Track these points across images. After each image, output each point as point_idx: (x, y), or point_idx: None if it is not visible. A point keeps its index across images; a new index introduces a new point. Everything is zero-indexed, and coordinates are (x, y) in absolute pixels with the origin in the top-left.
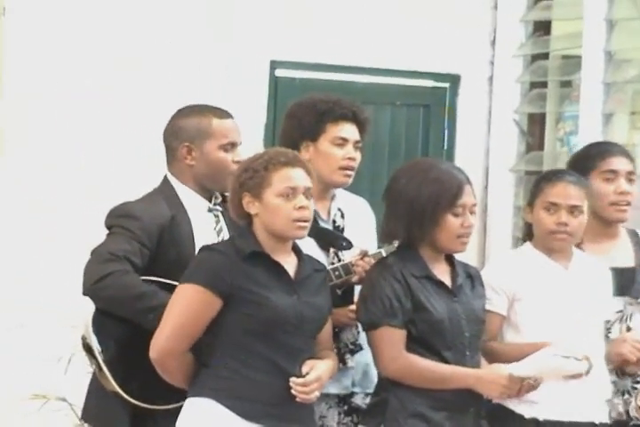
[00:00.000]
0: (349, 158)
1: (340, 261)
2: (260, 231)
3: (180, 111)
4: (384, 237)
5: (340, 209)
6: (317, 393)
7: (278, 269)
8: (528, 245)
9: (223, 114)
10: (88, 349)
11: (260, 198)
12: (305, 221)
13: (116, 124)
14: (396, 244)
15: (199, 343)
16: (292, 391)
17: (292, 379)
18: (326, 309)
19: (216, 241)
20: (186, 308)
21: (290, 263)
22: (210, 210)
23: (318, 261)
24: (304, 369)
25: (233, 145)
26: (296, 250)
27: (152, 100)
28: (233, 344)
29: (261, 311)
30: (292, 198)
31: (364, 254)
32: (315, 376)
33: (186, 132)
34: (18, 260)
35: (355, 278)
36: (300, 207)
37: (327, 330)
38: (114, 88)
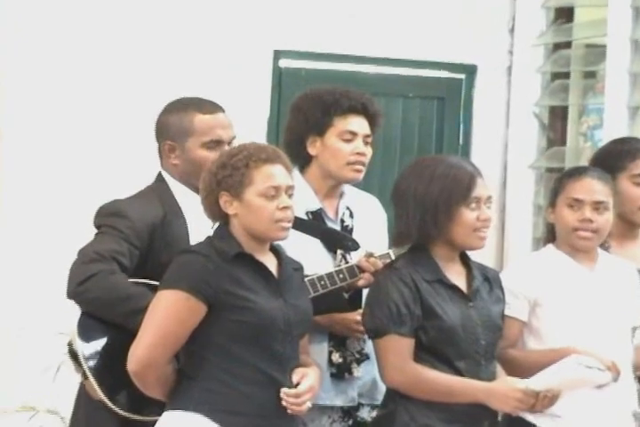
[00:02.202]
0: (359, 153)
1: (347, 264)
2: (238, 232)
3: (165, 106)
4: (397, 239)
5: (348, 208)
6: (309, 404)
7: (263, 270)
8: (550, 246)
9: (209, 108)
10: (74, 355)
11: (240, 198)
12: (288, 221)
13: (114, 118)
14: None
15: (182, 353)
16: (283, 403)
17: (284, 390)
18: (310, 311)
19: None
20: (167, 315)
21: (270, 264)
22: None
23: (294, 260)
24: (295, 378)
25: (218, 143)
26: (274, 249)
27: (149, 92)
28: (219, 353)
29: (249, 316)
30: (275, 198)
31: (369, 255)
32: (307, 386)
33: (168, 129)
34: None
35: (361, 282)
36: (284, 208)
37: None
38: (112, 80)
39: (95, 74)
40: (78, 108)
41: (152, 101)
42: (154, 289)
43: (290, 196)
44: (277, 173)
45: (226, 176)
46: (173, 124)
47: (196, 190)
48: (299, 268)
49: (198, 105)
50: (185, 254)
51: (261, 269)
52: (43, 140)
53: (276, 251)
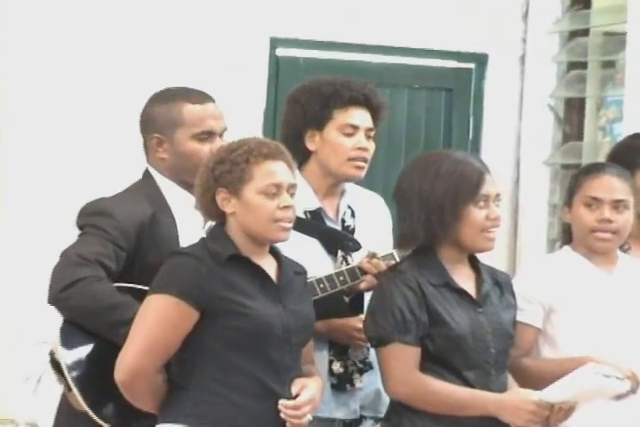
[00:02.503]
0: (360, 148)
1: (348, 265)
2: (235, 232)
3: (151, 97)
4: (401, 241)
5: (350, 207)
6: (310, 417)
7: (260, 274)
8: (566, 248)
9: (199, 98)
10: (56, 365)
11: (239, 195)
12: (289, 222)
13: (115, 117)
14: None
15: (173, 362)
16: (282, 415)
17: (282, 401)
18: (312, 318)
19: None
20: (157, 321)
21: (269, 267)
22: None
23: (297, 263)
24: (294, 389)
25: (210, 134)
26: (274, 252)
27: (148, 89)
28: (213, 362)
29: (245, 323)
30: (276, 196)
31: (372, 256)
32: (307, 398)
33: (155, 121)
34: None
35: (363, 285)
36: (285, 207)
37: (309, 342)
38: (112, 80)
39: (95, 73)
40: (78, 108)
41: (144, 94)
42: (140, 295)
43: (292, 195)
44: (279, 169)
45: (224, 172)
46: (160, 115)
47: (186, 186)
48: (301, 272)
49: (186, 95)
50: (176, 257)
51: (258, 272)
52: (43, 140)
53: (277, 253)
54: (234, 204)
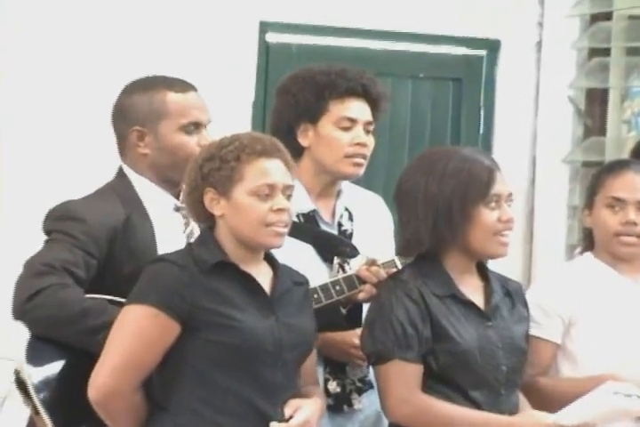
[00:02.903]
0: (359, 144)
1: (345, 273)
2: (224, 237)
3: (127, 87)
4: (404, 248)
5: (347, 209)
6: None
7: (250, 283)
8: (587, 255)
9: (182, 86)
10: (22, 386)
11: (228, 196)
12: (283, 226)
13: (110, 107)
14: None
15: (152, 380)
16: None
17: (273, 424)
18: (310, 332)
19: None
20: (134, 335)
21: (263, 276)
22: (177, 209)
23: (298, 273)
24: (287, 411)
25: (197, 125)
26: (269, 259)
27: (121, 72)
28: (196, 380)
29: (231, 337)
30: (269, 198)
31: (371, 264)
32: (301, 420)
33: (135, 112)
34: None
35: (361, 295)
36: (278, 210)
37: (311, 360)
38: (112, 79)
39: (95, 73)
40: (79, 108)
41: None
42: (116, 306)
43: (288, 197)
44: (274, 168)
45: (213, 170)
46: (141, 105)
47: (171, 185)
48: (302, 282)
49: (167, 83)
50: (156, 264)
51: (248, 281)
52: (43, 140)
53: (273, 261)
54: (223, 205)
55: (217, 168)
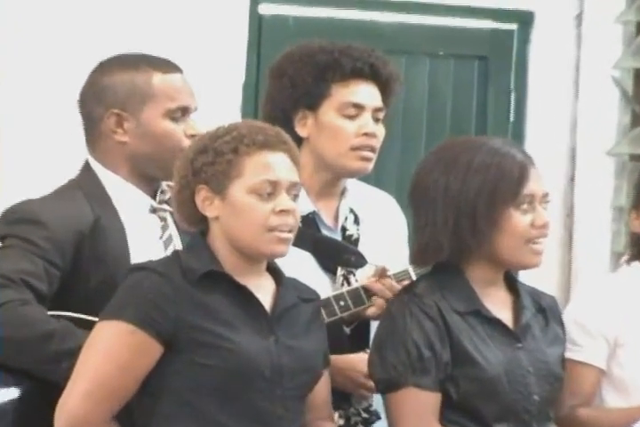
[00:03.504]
0: (366, 134)
1: (350, 286)
2: (218, 243)
3: (102, 64)
4: (419, 255)
5: (352, 210)
6: None
7: (246, 297)
8: (636, 264)
9: (168, 67)
10: None
11: (224, 195)
12: (288, 231)
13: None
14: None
15: (130, 408)
16: None
17: None
18: (319, 357)
19: (161, 256)
20: (108, 356)
21: (264, 290)
22: (154, 210)
23: (307, 287)
24: None
25: (185, 111)
26: (273, 270)
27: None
28: (180, 410)
29: (222, 360)
30: (271, 197)
31: (381, 274)
32: None
33: (114, 93)
34: None
35: (370, 311)
36: (282, 211)
37: (323, 389)
38: (92, 56)
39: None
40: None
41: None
42: (82, 326)
43: (294, 197)
44: (278, 163)
45: (206, 164)
46: (122, 86)
47: (146, 182)
48: (311, 298)
49: (152, 62)
50: (134, 273)
51: (244, 295)
52: (43, 140)
53: (277, 272)
54: (217, 205)
55: (211, 162)
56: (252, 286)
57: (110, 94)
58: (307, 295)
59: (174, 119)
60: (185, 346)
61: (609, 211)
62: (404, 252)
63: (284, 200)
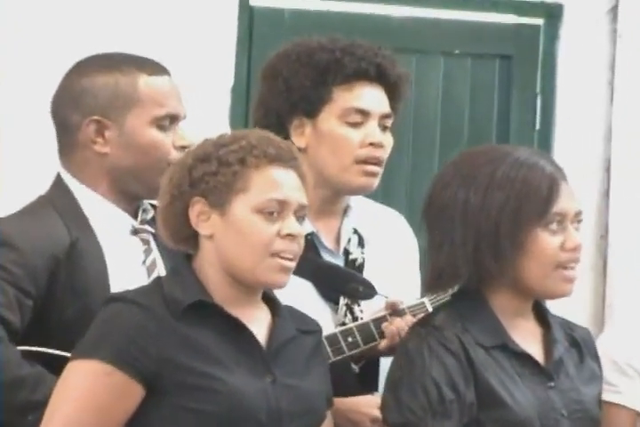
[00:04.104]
0: (373, 144)
1: (354, 319)
2: (209, 267)
3: (80, 65)
4: (434, 281)
5: (357, 231)
6: None
7: (239, 331)
8: None
9: (155, 68)
10: None
11: (224, 210)
12: (290, 259)
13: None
14: (450, 292)
15: None
16: None
17: None
18: (321, 397)
19: (144, 284)
20: (82, 400)
21: (258, 322)
22: (135, 231)
23: (307, 317)
24: None
25: (173, 119)
26: (268, 299)
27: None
28: None
29: (212, 404)
30: (278, 219)
31: (394, 308)
32: None
33: (93, 97)
34: None
35: (382, 345)
36: (288, 235)
37: None
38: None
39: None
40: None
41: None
42: (55, 364)
43: (300, 220)
44: (288, 181)
45: (208, 173)
46: (104, 89)
47: (127, 200)
48: (312, 330)
49: (137, 63)
50: (111, 305)
51: (237, 328)
52: (43, 140)
53: (273, 302)
54: (214, 222)
55: (213, 172)
56: (246, 317)
57: (89, 99)
58: (307, 327)
59: (162, 128)
60: (169, 388)
61: None
62: (416, 278)
63: (291, 223)
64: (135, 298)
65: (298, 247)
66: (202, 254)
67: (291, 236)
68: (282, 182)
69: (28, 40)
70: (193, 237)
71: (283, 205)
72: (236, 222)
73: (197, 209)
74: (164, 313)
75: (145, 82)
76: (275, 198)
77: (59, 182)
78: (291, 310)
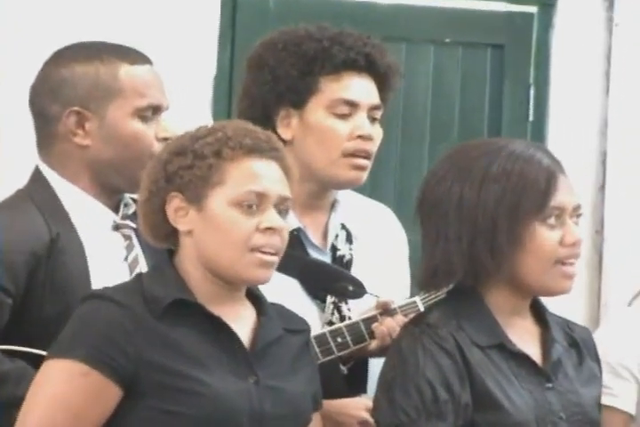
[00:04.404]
0: (361, 137)
1: (342, 317)
2: (190, 264)
3: (59, 55)
4: (429, 278)
5: (344, 226)
6: None
7: (221, 330)
8: None
9: (136, 57)
10: None
11: (201, 205)
12: (273, 253)
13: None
14: (442, 291)
15: None
16: None
17: None
18: (307, 399)
19: (127, 280)
20: (57, 402)
21: (243, 321)
22: (116, 227)
23: (294, 315)
24: None
25: (156, 110)
26: (253, 296)
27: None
28: None
29: (193, 406)
30: (257, 212)
31: (385, 308)
32: None
33: (72, 88)
34: None
35: (373, 345)
36: (268, 229)
37: None
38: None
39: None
40: None
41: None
42: (35, 363)
43: (282, 213)
44: (266, 172)
45: (183, 167)
46: (84, 79)
47: (108, 194)
48: (299, 329)
49: (118, 52)
50: (88, 302)
51: (218, 327)
52: None
53: (258, 299)
54: (192, 217)
55: (188, 166)
56: (229, 316)
57: (69, 89)
58: (294, 326)
59: (144, 119)
60: (148, 390)
61: None
62: (405, 274)
63: (271, 216)
64: (113, 296)
65: (280, 241)
66: (182, 251)
67: (271, 229)
68: (260, 174)
69: (28, 40)
70: (173, 234)
71: (261, 197)
72: (213, 217)
73: (174, 205)
74: (143, 312)
75: (126, 71)
76: (252, 190)
77: (37, 176)
78: (278, 308)
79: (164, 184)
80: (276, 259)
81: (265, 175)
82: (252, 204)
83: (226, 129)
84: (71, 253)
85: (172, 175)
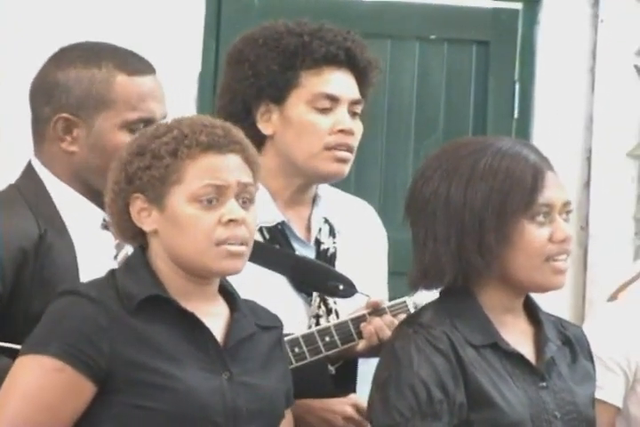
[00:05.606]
0: (342, 131)
1: (329, 311)
2: (160, 261)
3: (59, 55)
4: (418, 278)
5: (327, 220)
6: None
7: (194, 326)
8: None
9: (137, 66)
10: None
11: (162, 205)
12: (241, 243)
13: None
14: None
15: None
16: None
17: None
18: (279, 395)
19: None
20: (30, 398)
21: (215, 317)
22: (106, 225)
23: (267, 312)
24: None
25: (148, 122)
26: (226, 292)
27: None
28: None
29: (165, 402)
30: (217, 206)
31: (375, 308)
32: None
33: (66, 93)
34: None
35: (361, 345)
36: (230, 221)
37: None
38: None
39: None
40: None
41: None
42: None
43: (246, 201)
44: (224, 165)
45: (142, 168)
46: (77, 85)
47: (95, 194)
48: (272, 325)
49: (118, 59)
50: (62, 298)
51: (191, 323)
52: None
53: (231, 295)
54: (155, 218)
55: (146, 166)
56: (202, 312)
57: (62, 94)
58: (267, 322)
59: (133, 131)
60: (122, 386)
61: (630, 222)
62: (383, 270)
63: (232, 208)
64: (87, 291)
65: (245, 232)
66: (151, 249)
67: (233, 221)
68: (216, 168)
69: (28, 40)
70: (140, 233)
71: (220, 189)
72: (175, 216)
73: (138, 206)
74: (117, 307)
75: (122, 82)
76: (209, 184)
77: (30, 170)
78: (250, 304)
79: (125, 185)
80: (243, 248)
81: (222, 168)
82: (212, 198)
83: (182, 126)
84: (60, 250)
85: (132, 176)
